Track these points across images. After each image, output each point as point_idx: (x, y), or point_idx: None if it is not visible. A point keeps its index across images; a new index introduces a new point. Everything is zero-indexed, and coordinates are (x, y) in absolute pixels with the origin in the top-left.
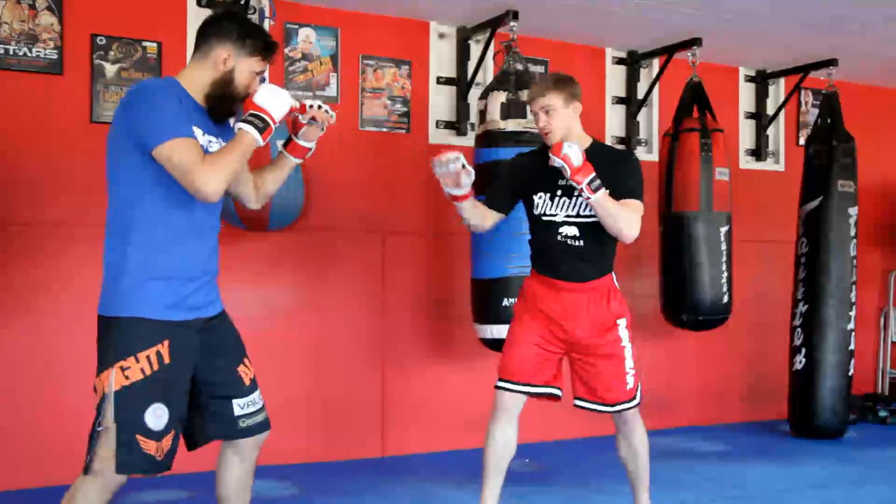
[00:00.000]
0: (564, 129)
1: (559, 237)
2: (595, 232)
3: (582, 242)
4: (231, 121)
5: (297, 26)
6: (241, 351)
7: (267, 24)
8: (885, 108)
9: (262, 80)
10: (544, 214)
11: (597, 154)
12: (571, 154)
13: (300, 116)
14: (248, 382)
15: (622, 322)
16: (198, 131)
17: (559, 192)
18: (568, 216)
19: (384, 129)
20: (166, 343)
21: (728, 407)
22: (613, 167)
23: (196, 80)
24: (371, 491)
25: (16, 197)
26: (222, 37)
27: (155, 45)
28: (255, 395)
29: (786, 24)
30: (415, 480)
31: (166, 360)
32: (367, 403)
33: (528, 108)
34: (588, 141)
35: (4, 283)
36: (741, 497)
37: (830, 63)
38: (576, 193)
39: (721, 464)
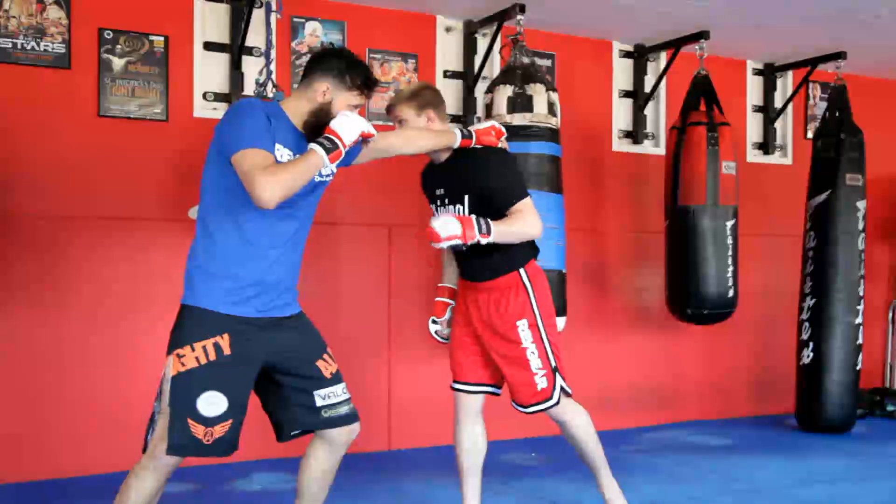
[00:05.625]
0: None
1: None
2: None
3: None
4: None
5: (303, 20)
6: (320, 347)
7: (274, 18)
8: (893, 101)
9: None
10: None
11: (464, 158)
12: (446, 228)
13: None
14: (328, 376)
15: (522, 323)
16: (283, 148)
17: (438, 202)
18: None
19: (391, 123)
20: (226, 336)
21: (734, 401)
22: (483, 171)
23: (298, 107)
24: (377, 484)
25: (23, 190)
26: (324, 71)
27: (162, 38)
28: (338, 388)
29: (794, 17)
30: (421, 474)
31: (226, 351)
32: (373, 396)
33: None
34: None
35: (10, 275)
36: (748, 491)
37: (839, 56)
38: (455, 202)
39: (727, 458)
